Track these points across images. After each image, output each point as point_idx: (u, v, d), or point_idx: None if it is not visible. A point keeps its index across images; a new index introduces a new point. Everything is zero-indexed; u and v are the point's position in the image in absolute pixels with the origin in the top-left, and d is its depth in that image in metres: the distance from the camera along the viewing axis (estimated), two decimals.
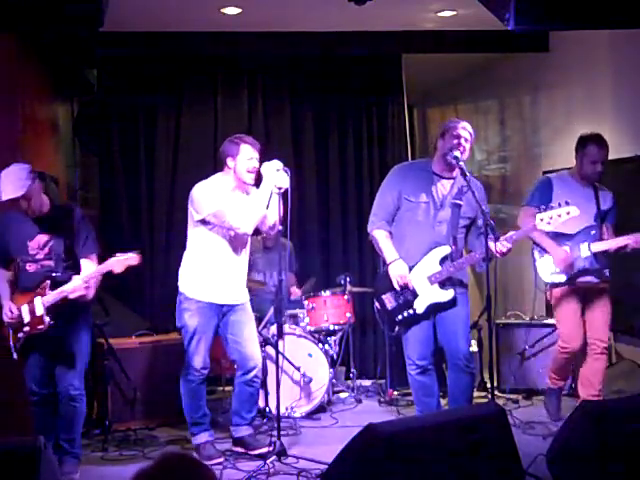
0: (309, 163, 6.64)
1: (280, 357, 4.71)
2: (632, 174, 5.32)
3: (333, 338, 5.76)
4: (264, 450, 4.44)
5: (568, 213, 4.13)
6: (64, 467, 4.20)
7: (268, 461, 4.24)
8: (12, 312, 4.11)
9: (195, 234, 4.51)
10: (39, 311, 4.09)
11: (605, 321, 4.77)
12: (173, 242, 6.00)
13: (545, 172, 5.98)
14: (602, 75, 5.78)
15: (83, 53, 5.73)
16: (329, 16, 5.65)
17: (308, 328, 5.61)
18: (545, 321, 5.80)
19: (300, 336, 5.46)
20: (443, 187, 4.40)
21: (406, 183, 4.42)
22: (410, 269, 4.36)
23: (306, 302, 5.71)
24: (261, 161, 4.47)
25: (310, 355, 5.44)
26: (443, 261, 4.34)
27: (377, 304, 4.49)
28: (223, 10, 5.52)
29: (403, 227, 4.43)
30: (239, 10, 5.53)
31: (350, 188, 6.70)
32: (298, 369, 5.36)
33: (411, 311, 4.36)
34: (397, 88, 6.76)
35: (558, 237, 4.71)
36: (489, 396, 4.46)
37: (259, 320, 5.46)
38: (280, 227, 4.52)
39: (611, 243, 4.64)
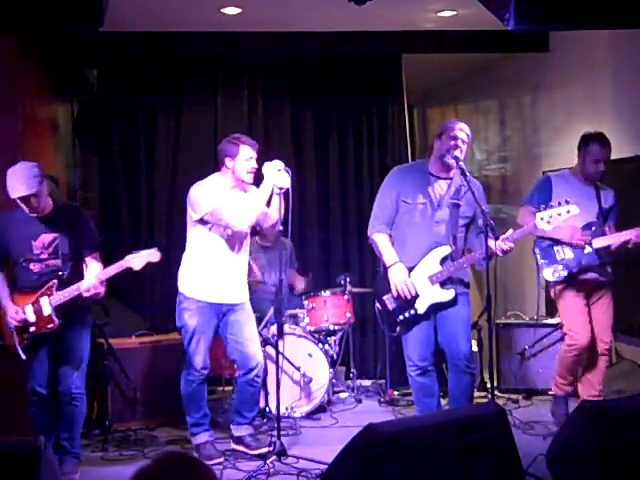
0: (309, 163, 6.64)
1: (280, 357, 4.71)
2: (632, 174, 5.33)
3: (333, 338, 5.76)
4: (264, 450, 4.45)
5: (568, 212, 4.13)
6: (64, 467, 4.21)
7: (268, 461, 4.24)
8: (17, 315, 4.10)
9: (194, 234, 4.51)
10: (47, 311, 4.09)
11: (608, 321, 4.77)
12: (173, 242, 6.00)
13: (545, 172, 5.98)
14: (602, 75, 5.78)
15: (83, 53, 5.73)
16: (329, 16, 5.65)
17: (308, 328, 5.61)
18: (545, 321, 5.80)
19: (300, 336, 5.47)
20: (440, 187, 4.40)
21: (403, 185, 4.42)
22: (410, 270, 4.36)
23: (306, 302, 5.71)
24: (260, 161, 4.47)
25: (310, 355, 5.44)
26: (443, 261, 4.34)
27: (378, 305, 4.49)
28: (223, 10, 5.52)
29: (402, 229, 4.43)
30: (239, 10, 5.53)
31: (350, 188, 6.70)
32: (298, 369, 5.36)
33: (412, 311, 4.36)
34: (397, 88, 6.76)
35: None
36: (489, 396, 4.46)
37: (259, 320, 5.46)
38: (281, 227, 4.53)
39: (613, 238, 4.63)
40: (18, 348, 4.09)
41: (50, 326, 4.10)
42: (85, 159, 6.51)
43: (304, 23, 5.90)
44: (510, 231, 4.22)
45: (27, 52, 5.11)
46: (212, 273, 4.48)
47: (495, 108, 7.64)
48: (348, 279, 5.86)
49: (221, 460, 4.48)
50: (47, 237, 4.14)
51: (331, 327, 5.68)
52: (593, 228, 4.69)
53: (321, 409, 5.50)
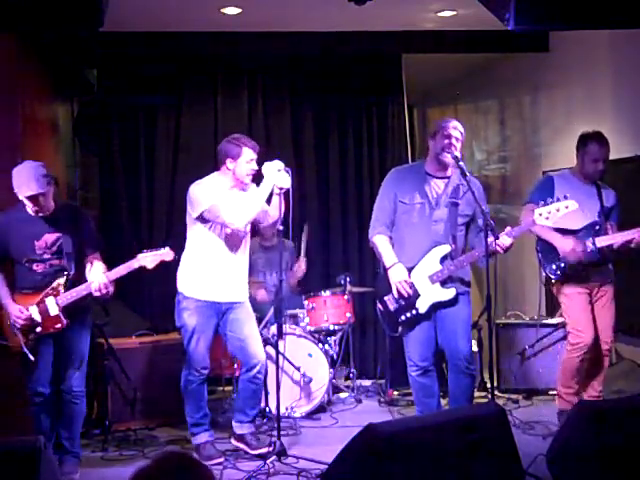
0: (309, 163, 6.65)
1: (280, 357, 4.71)
2: (632, 174, 5.33)
3: (333, 338, 5.76)
4: (264, 450, 4.45)
5: (567, 207, 4.13)
6: (64, 467, 4.21)
7: (268, 461, 4.25)
8: (22, 313, 4.08)
9: (193, 234, 4.52)
10: (53, 311, 4.08)
11: (610, 321, 4.76)
12: (173, 242, 5.93)
13: (545, 172, 5.98)
14: (602, 75, 5.78)
15: (83, 53, 5.73)
16: (329, 16, 5.65)
17: (308, 328, 5.61)
18: (546, 321, 5.80)
19: (300, 336, 5.47)
20: (437, 186, 4.41)
21: (401, 186, 4.43)
22: (410, 269, 4.36)
23: (306, 302, 5.71)
24: (260, 161, 4.48)
25: (310, 355, 5.44)
26: (443, 260, 4.34)
27: (379, 305, 4.49)
28: (223, 10, 5.52)
29: (401, 230, 4.44)
30: (239, 10, 5.53)
31: (350, 188, 6.70)
32: (298, 369, 5.36)
33: (414, 311, 4.36)
34: (397, 88, 6.76)
35: (562, 234, 4.69)
36: (489, 396, 4.46)
37: (259, 320, 5.46)
38: (281, 227, 4.54)
39: (616, 237, 4.62)
40: (25, 349, 4.07)
41: (58, 326, 4.10)
42: (85, 159, 6.51)
43: (304, 23, 5.90)
44: (508, 228, 4.22)
45: (27, 52, 5.11)
46: (211, 272, 4.48)
47: (495, 108, 7.64)
48: (348, 279, 5.86)
49: (221, 460, 4.48)
50: (50, 237, 4.13)
51: (331, 327, 5.68)
52: (597, 227, 4.68)
53: (321, 409, 5.50)
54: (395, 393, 5.83)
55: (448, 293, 4.34)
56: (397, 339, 4.63)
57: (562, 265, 4.69)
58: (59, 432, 4.27)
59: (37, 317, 4.09)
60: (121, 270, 4.13)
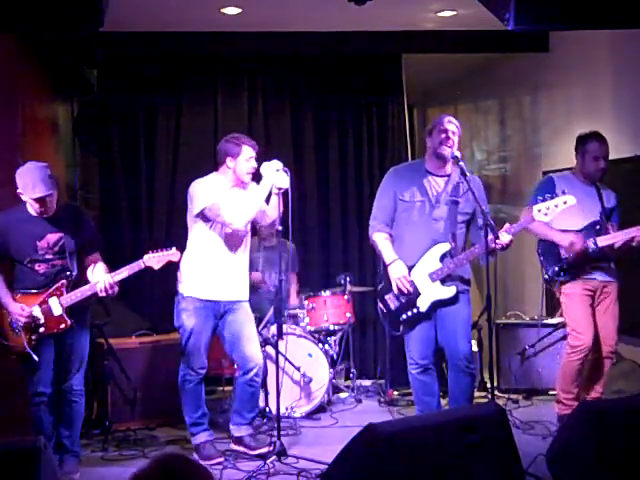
0: (309, 163, 6.65)
1: (280, 357, 4.71)
2: (632, 174, 5.33)
3: (333, 338, 5.76)
4: (264, 450, 4.45)
5: (565, 202, 4.13)
6: (64, 467, 4.21)
7: (268, 461, 4.24)
8: (24, 310, 4.07)
9: (194, 232, 4.53)
10: (57, 311, 4.08)
11: (614, 323, 4.74)
12: (173, 242, 5.96)
13: (545, 172, 5.98)
14: (602, 75, 5.78)
15: (83, 53, 5.72)
16: (329, 16, 5.65)
17: (308, 328, 5.61)
18: (546, 321, 5.80)
19: (300, 336, 5.46)
20: (437, 184, 4.42)
21: (400, 184, 4.44)
22: (411, 268, 4.37)
23: (306, 302, 5.71)
24: (260, 161, 4.48)
25: (310, 355, 5.44)
26: (443, 258, 4.35)
27: (380, 305, 4.49)
28: (223, 10, 5.52)
29: (401, 228, 4.44)
30: (239, 10, 5.53)
31: (350, 188, 6.70)
32: (298, 369, 5.36)
33: (415, 310, 4.37)
34: (397, 88, 6.76)
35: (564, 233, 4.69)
36: (489, 396, 4.46)
37: (259, 320, 5.46)
38: (280, 227, 4.54)
39: (617, 236, 4.60)
40: (29, 349, 4.06)
41: (62, 326, 4.11)
42: (85, 159, 6.50)
43: (304, 23, 5.90)
44: (507, 225, 4.22)
45: (27, 52, 5.11)
46: (211, 271, 4.49)
47: (495, 108, 7.64)
48: (348, 279, 5.86)
49: (221, 460, 4.48)
50: (52, 237, 4.13)
51: (331, 327, 5.68)
52: (597, 227, 4.68)
53: (321, 409, 5.50)
54: (395, 393, 5.83)
55: (449, 291, 4.35)
56: (397, 339, 4.64)
57: (564, 266, 4.69)
58: (59, 431, 4.27)
59: (40, 317, 4.09)
60: (126, 271, 4.13)
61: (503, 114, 7.50)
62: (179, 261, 4.37)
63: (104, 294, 4.11)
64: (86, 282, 4.19)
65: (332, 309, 5.69)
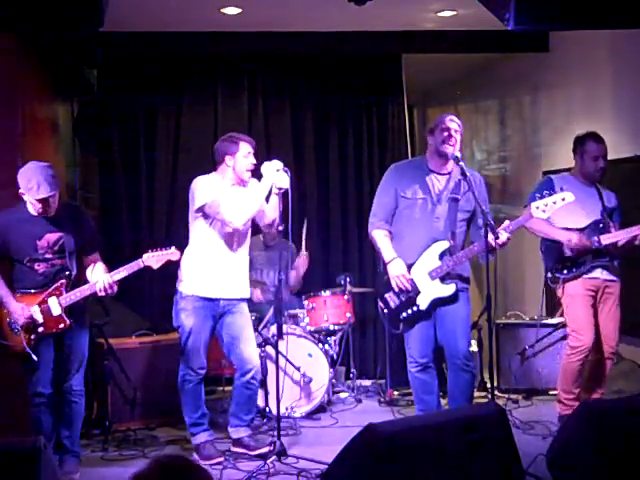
0: (309, 163, 6.65)
1: (280, 357, 4.71)
2: (631, 174, 5.32)
3: (333, 338, 5.76)
4: (264, 450, 4.45)
5: (563, 199, 4.13)
6: (64, 467, 4.21)
7: (268, 461, 4.24)
8: (24, 311, 4.07)
9: (195, 230, 4.53)
10: (56, 311, 4.08)
11: (615, 327, 4.74)
12: (173, 242, 5.96)
13: (545, 172, 5.99)
14: (602, 75, 5.78)
15: (83, 53, 5.72)
16: (329, 16, 5.65)
17: (308, 328, 5.61)
18: (546, 321, 5.80)
19: (300, 336, 5.46)
20: (439, 182, 4.43)
21: (402, 181, 4.44)
22: (410, 266, 4.37)
23: (306, 302, 5.71)
24: (260, 161, 4.48)
25: (310, 355, 5.44)
26: (442, 256, 4.35)
27: (380, 303, 4.50)
28: (223, 10, 5.52)
29: (401, 225, 4.45)
30: (239, 10, 5.53)
31: (350, 188, 6.70)
32: (298, 369, 5.36)
33: (415, 308, 4.37)
34: (397, 88, 6.76)
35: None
36: (489, 396, 4.47)
37: (259, 320, 5.46)
38: (281, 227, 4.54)
39: (621, 234, 4.60)
40: (28, 349, 4.05)
41: (61, 326, 4.10)
42: (85, 159, 6.50)
43: (304, 23, 5.90)
44: (507, 222, 4.22)
45: (27, 52, 5.11)
46: (211, 269, 4.49)
47: (495, 108, 7.64)
48: (348, 279, 5.86)
49: (221, 460, 4.48)
50: (52, 236, 4.13)
51: (331, 327, 5.68)
52: (600, 225, 4.67)
53: (321, 409, 5.50)
54: (395, 393, 5.83)
55: (448, 289, 4.35)
56: (397, 339, 4.64)
57: (568, 265, 4.68)
58: (59, 431, 4.27)
59: (39, 317, 4.08)
60: (126, 271, 4.13)
61: (503, 114, 7.50)
62: (179, 260, 4.37)
63: (103, 293, 4.12)
64: (85, 282, 4.19)
65: (332, 309, 5.69)
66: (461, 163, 4.29)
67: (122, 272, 4.13)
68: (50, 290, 4.09)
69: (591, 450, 2.90)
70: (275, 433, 4.43)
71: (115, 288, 4.15)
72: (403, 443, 2.77)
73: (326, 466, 3.39)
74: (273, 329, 5.13)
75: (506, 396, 5.57)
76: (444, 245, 4.36)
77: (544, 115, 6.69)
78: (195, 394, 4.56)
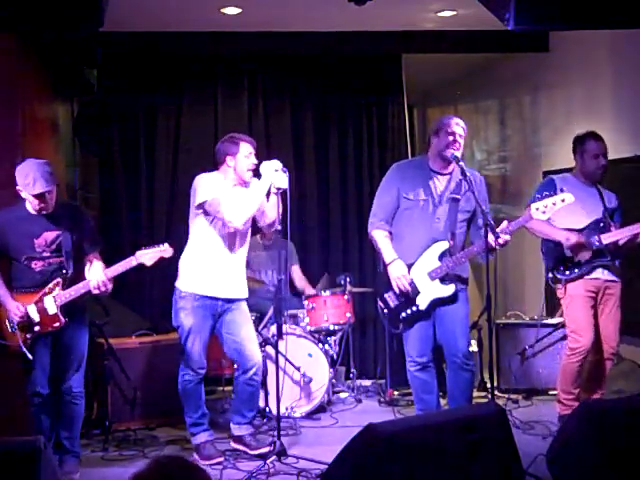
0: (309, 163, 6.65)
1: (280, 357, 4.71)
2: (632, 174, 5.32)
3: (333, 338, 5.76)
4: (264, 450, 4.45)
5: (563, 200, 4.13)
6: (64, 467, 4.21)
7: (268, 461, 4.24)
8: (20, 311, 4.07)
9: (195, 228, 4.53)
10: (52, 310, 4.08)
11: (616, 328, 4.74)
12: (173, 242, 5.97)
13: (545, 172, 5.99)
14: (602, 75, 5.78)
15: (83, 53, 5.72)
16: (329, 16, 5.65)
17: (308, 328, 5.61)
18: (546, 321, 5.80)
19: (300, 336, 5.47)
20: (440, 183, 4.43)
21: (404, 181, 4.44)
22: (410, 266, 4.37)
23: (306, 302, 5.71)
24: (260, 161, 4.48)
25: (310, 355, 5.44)
26: (442, 256, 4.35)
27: (380, 303, 4.50)
28: (223, 10, 5.52)
29: (402, 225, 4.45)
30: (239, 10, 5.53)
31: (350, 188, 6.70)
32: (298, 369, 5.36)
33: (414, 308, 4.38)
34: (397, 88, 6.76)
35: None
36: (489, 396, 4.47)
37: (259, 320, 5.46)
38: (279, 227, 4.54)
39: (622, 232, 4.59)
40: (23, 348, 4.05)
41: (56, 325, 4.10)
42: (85, 159, 6.50)
43: (304, 23, 5.90)
44: (505, 223, 4.22)
45: (27, 52, 5.11)
46: (210, 267, 4.49)
47: (495, 108, 7.64)
48: (348, 279, 5.86)
49: (221, 460, 4.48)
50: (50, 235, 4.13)
51: (331, 327, 5.68)
52: (601, 224, 4.67)
53: (321, 409, 5.50)
54: (395, 393, 5.83)
55: (448, 289, 4.35)
56: (397, 339, 4.65)
57: (569, 266, 4.67)
58: (59, 432, 4.27)
59: (35, 316, 4.08)
60: (119, 268, 4.13)
61: (503, 114, 7.50)
62: (174, 258, 4.35)
63: (97, 292, 4.11)
64: (84, 280, 4.19)
65: (332, 309, 5.69)
66: (461, 163, 4.29)
67: (115, 270, 4.12)
68: (46, 289, 4.09)
69: (591, 450, 2.90)
70: (275, 433, 4.43)
71: (109, 286, 4.14)
72: (403, 443, 2.77)
73: (326, 466, 3.38)
74: (273, 329, 5.13)
75: (506, 396, 5.57)
76: (444, 246, 4.36)
77: (544, 115, 6.69)
78: (195, 394, 4.56)
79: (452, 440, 2.89)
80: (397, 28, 6.10)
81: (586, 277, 4.68)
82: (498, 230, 4.13)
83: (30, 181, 3.96)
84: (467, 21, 5.82)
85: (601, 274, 4.70)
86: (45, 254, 4.12)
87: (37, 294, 4.10)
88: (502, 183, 7.46)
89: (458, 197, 4.38)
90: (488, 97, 7.70)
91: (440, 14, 5.75)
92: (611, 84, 5.73)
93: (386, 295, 4.45)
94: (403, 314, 4.40)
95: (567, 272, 4.70)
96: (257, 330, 5.10)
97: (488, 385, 5.03)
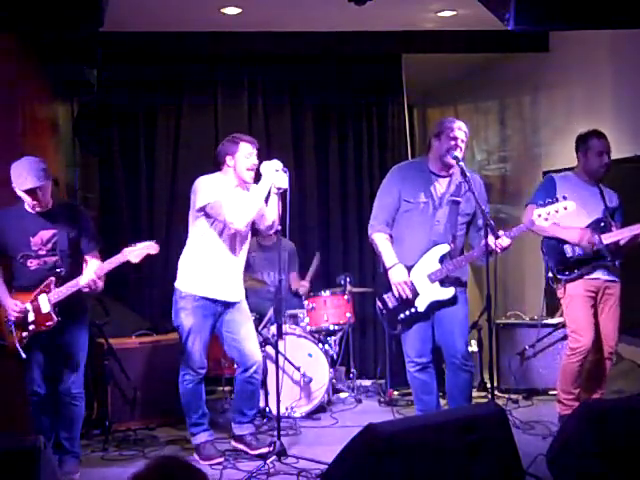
0: (309, 163, 6.65)
1: (280, 357, 4.71)
2: (632, 174, 5.32)
3: (333, 338, 5.76)
4: (264, 450, 4.44)
5: (565, 208, 4.13)
6: (64, 467, 4.20)
7: (268, 461, 4.24)
8: (18, 307, 4.07)
9: (196, 230, 4.52)
10: (45, 308, 4.08)
11: (615, 327, 4.74)
12: (173, 242, 6.00)
13: (545, 172, 5.98)
14: (602, 75, 5.78)
15: (83, 53, 5.72)
16: (329, 16, 5.65)
17: (308, 328, 5.61)
18: (546, 321, 5.80)
19: (300, 336, 5.46)
20: (441, 186, 4.42)
21: (404, 184, 4.43)
22: (410, 268, 4.37)
23: (306, 302, 5.71)
24: (260, 161, 4.48)
25: (310, 355, 5.44)
26: (442, 259, 4.35)
27: (379, 303, 4.50)
28: (223, 10, 5.52)
29: (402, 228, 4.44)
30: (239, 10, 5.53)
31: (350, 188, 6.70)
32: (298, 369, 5.36)
33: (413, 310, 4.38)
34: (397, 88, 6.76)
35: None
36: (489, 396, 4.47)
37: (259, 320, 5.46)
38: (279, 227, 4.54)
39: (623, 233, 4.58)
40: (18, 347, 4.06)
41: (49, 323, 4.09)
42: (85, 159, 6.50)
43: (304, 23, 5.90)
44: (501, 233, 4.21)
45: (27, 52, 5.11)
46: (211, 269, 4.48)
47: (495, 108, 7.64)
48: (348, 279, 5.86)
49: (221, 460, 4.48)
50: (46, 233, 4.13)
51: (331, 327, 5.68)
52: (602, 224, 4.66)
53: (321, 409, 5.50)
54: (395, 393, 5.83)
55: (447, 292, 4.35)
56: (397, 339, 4.64)
57: (570, 266, 4.67)
58: (58, 432, 4.26)
59: (31, 314, 4.09)
60: (107, 266, 4.10)
61: (503, 114, 7.50)
62: (176, 259, 4.34)
63: (87, 289, 4.09)
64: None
65: (332, 309, 5.69)
66: (461, 163, 4.28)
67: (104, 267, 4.10)
68: (41, 287, 4.10)
69: (591, 450, 2.90)
70: (275, 433, 4.43)
71: (99, 284, 4.13)
72: (403, 443, 2.77)
73: (326, 466, 3.38)
74: (273, 329, 5.13)
75: (506, 396, 5.57)
76: (445, 249, 4.35)
77: (544, 115, 6.69)
78: (195, 394, 4.56)
79: (452, 440, 2.89)
80: (397, 28, 6.10)
81: (586, 277, 4.68)
82: (501, 234, 4.12)
83: (21, 177, 3.97)
84: (467, 21, 5.82)
85: (601, 274, 4.69)
86: (41, 252, 4.12)
87: (32, 293, 4.11)
88: (502, 183, 7.46)
89: (459, 200, 4.38)
90: (488, 97, 7.70)
91: (440, 14, 5.76)
92: (611, 84, 5.73)
93: (385, 296, 4.45)
94: (401, 315, 4.40)
95: (567, 272, 4.69)
96: (257, 330, 5.10)
97: (488, 385, 5.03)
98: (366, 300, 6.30)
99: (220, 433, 4.86)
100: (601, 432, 2.92)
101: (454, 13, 5.73)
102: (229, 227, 4.42)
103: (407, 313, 4.39)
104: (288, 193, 4.37)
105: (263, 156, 4.58)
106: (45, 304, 4.08)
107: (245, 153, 4.48)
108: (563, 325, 5.21)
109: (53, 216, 4.15)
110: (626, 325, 4.89)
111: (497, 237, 4.11)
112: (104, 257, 4.32)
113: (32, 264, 4.12)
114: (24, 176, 3.97)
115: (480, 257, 4.25)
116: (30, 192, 4.00)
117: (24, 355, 4.07)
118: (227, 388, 5.53)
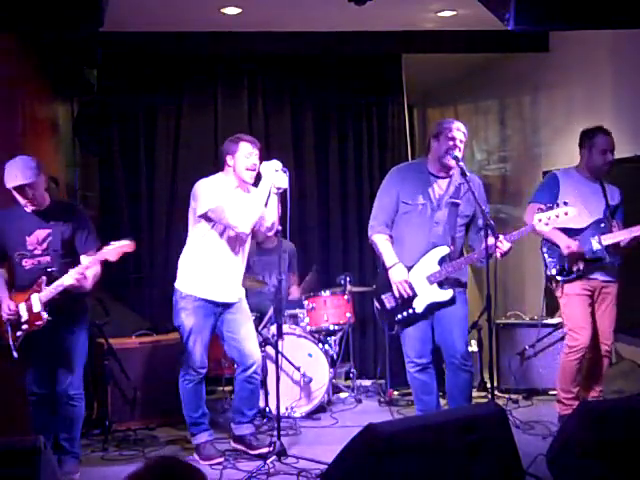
0: (309, 163, 6.65)
1: (280, 357, 4.71)
2: (632, 174, 5.32)
3: (333, 338, 5.76)
4: (264, 450, 4.44)
5: (566, 214, 4.13)
6: (64, 467, 4.20)
7: (268, 461, 4.24)
8: (10, 309, 4.08)
9: (196, 231, 4.51)
10: (36, 308, 4.07)
11: (611, 324, 4.75)
12: (173, 242, 6.00)
13: (545, 172, 5.98)
14: (602, 75, 5.78)
15: (83, 53, 5.72)
16: (329, 16, 5.65)
17: (308, 328, 5.61)
18: (545, 321, 5.80)
19: (300, 336, 5.46)
20: (439, 187, 4.42)
21: (403, 186, 4.43)
22: (409, 269, 4.37)
23: (306, 302, 5.71)
24: (261, 161, 4.48)
25: (310, 355, 5.44)
26: (442, 261, 4.35)
27: (377, 304, 4.51)
28: (223, 10, 5.52)
29: (401, 229, 4.44)
30: (239, 10, 5.53)
31: (350, 188, 6.71)
32: (298, 369, 5.36)
33: (410, 310, 4.38)
34: (397, 88, 6.76)
35: (567, 232, 4.68)
36: (489, 396, 4.47)
37: (259, 320, 5.46)
38: (279, 227, 4.54)
39: (623, 234, 4.58)
40: (11, 345, 4.06)
41: (38, 323, 4.07)
42: (85, 159, 6.50)
43: (304, 23, 5.90)
44: (501, 236, 4.21)
45: (27, 52, 5.11)
46: (212, 271, 4.48)
47: (495, 108, 7.64)
48: (348, 279, 5.86)
49: (221, 460, 4.48)
50: (42, 233, 4.13)
51: (331, 327, 5.68)
52: (602, 225, 4.67)
53: (321, 409, 5.50)
54: (395, 393, 5.83)
55: (446, 294, 4.35)
56: (397, 339, 4.64)
57: (567, 265, 4.68)
58: (58, 433, 4.26)
59: (24, 314, 4.08)
60: (88, 265, 4.09)
61: (503, 114, 7.50)
62: (176, 259, 4.32)
63: (71, 287, 4.06)
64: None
65: (332, 309, 5.69)
66: (461, 163, 4.28)
67: (86, 265, 4.08)
68: (34, 287, 4.10)
69: (591, 450, 2.90)
70: (275, 433, 4.43)
71: (85, 282, 4.11)
72: (403, 443, 2.77)
73: (326, 466, 3.39)
74: (273, 329, 5.13)
75: (506, 396, 5.57)
76: (444, 250, 4.35)
77: (544, 115, 6.69)
78: (196, 394, 4.56)
79: (452, 440, 2.89)
80: (397, 28, 6.10)
81: (583, 277, 4.68)
82: (501, 238, 4.12)
83: (11, 175, 3.98)
84: (467, 21, 5.82)
85: (599, 275, 4.70)
86: (36, 252, 4.12)
87: (27, 293, 4.11)
88: (502, 183, 7.46)
89: (458, 202, 4.37)
90: (488, 97, 7.70)
91: (440, 14, 5.75)
92: (611, 84, 5.73)
93: (383, 296, 4.45)
94: (399, 316, 4.40)
95: (564, 272, 4.70)
96: (257, 330, 5.10)
97: (488, 385, 5.03)
98: (366, 300, 6.29)
99: (220, 433, 4.86)
100: (601, 432, 2.92)
101: (454, 13, 5.73)
102: (232, 229, 4.41)
103: (404, 314, 4.39)
104: (288, 193, 4.37)
105: (263, 156, 4.58)
106: (36, 304, 4.08)
107: (245, 153, 4.47)
108: (563, 325, 5.21)
109: (49, 215, 4.15)
110: (626, 325, 4.90)
111: (497, 237, 4.11)
112: None
113: (27, 264, 4.13)
114: (14, 174, 3.98)
115: (480, 259, 4.25)
116: (19, 189, 4.00)
117: (16, 355, 4.07)
118: (227, 388, 5.53)
